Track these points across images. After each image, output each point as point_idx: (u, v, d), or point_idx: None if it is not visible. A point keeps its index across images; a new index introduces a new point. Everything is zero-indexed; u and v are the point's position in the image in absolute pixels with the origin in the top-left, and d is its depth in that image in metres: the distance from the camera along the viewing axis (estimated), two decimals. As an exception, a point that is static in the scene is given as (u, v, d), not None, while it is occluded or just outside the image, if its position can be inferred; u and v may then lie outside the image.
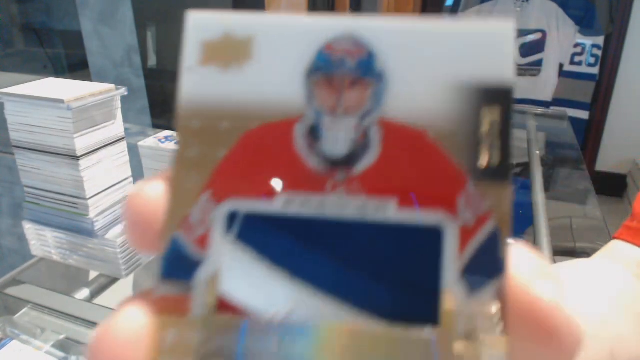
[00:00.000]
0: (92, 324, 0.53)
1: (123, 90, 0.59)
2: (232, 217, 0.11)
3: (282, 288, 0.11)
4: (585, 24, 2.02)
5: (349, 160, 0.11)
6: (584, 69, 2.04)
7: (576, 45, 2.03)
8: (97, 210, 0.59)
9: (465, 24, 0.11)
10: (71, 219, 0.59)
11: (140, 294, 0.11)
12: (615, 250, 0.35)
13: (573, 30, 2.03)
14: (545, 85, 2.11)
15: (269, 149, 0.11)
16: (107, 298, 0.62)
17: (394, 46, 0.11)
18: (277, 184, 0.11)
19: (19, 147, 0.59)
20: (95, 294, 0.61)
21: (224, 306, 0.11)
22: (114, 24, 1.26)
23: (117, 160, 0.61)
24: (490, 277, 0.10)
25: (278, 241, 0.11)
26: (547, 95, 2.12)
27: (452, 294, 0.10)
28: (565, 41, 2.04)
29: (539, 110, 1.30)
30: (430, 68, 0.11)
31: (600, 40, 2.01)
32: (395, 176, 0.11)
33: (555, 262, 0.63)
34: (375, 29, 0.11)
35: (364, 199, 0.11)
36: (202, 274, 0.11)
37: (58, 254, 0.62)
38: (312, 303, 0.11)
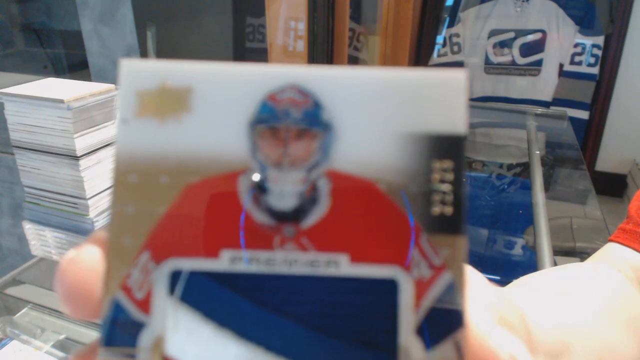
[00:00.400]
0: (92, 324, 0.53)
1: (123, 90, 0.59)
2: (174, 277, 0.10)
3: (231, 349, 0.10)
4: (585, 24, 2.02)
5: (297, 214, 0.11)
6: (584, 69, 2.04)
7: (576, 45, 2.03)
8: (97, 210, 0.59)
9: (417, 74, 0.11)
10: (71, 219, 0.59)
11: (82, 353, 0.11)
12: (610, 253, 0.35)
13: (573, 30, 2.03)
14: (545, 85, 2.11)
15: (212, 204, 0.10)
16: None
17: (342, 96, 0.11)
18: (221, 240, 0.10)
19: (19, 147, 0.59)
20: (95, 294, 0.61)
21: None
22: (114, 24, 1.26)
23: (117, 160, 0.61)
24: (448, 331, 0.10)
25: (225, 300, 0.10)
26: (547, 95, 2.12)
27: (409, 351, 0.10)
28: (565, 41, 2.04)
29: (539, 110, 1.30)
30: (380, 118, 0.11)
31: (600, 40, 2.01)
32: (346, 230, 0.10)
33: (555, 262, 0.63)
34: (321, 78, 0.11)
35: (315, 254, 0.10)
36: (145, 339, 0.10)
37: (58, 254, 0.62)
38: None
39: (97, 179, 0.58)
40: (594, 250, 0.36)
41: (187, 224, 0.10)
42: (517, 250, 0.87)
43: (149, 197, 0.11)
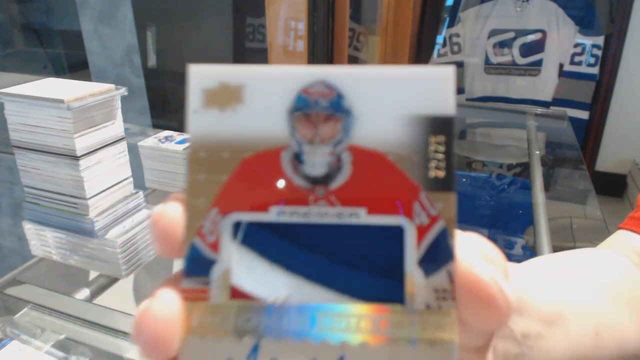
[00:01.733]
0: (92, 324, 0.53)
1: (123, 90, 0.59)
2: (236, 226, 0.14)
3: (279, 280, 0.14)
4: (585, 24, 2.02)
5: (326, 179, 0.14)
6: (584, 69, 2.04)
7: (576, 45, 2.03)
8: (97, 210, 0.59)
9: (415, 69, 0.14)
10: (71, 219, 0.59)
11: (170, 280, 0.14)
12: (619, 239, 0.36)
13: (573, 30, 2.03)
14: (545, 85, 2.11)
15: (262, 172, 0.14)
16: (107, 298, 0.62)
17: (358, 88, 0.14)
18: (270, 199, 0.14)
19: (19, 147, 0.59)
20: (95, 294, 0.61)
21: (236, 294, 0.13)
22: (113, 24, 1.26)
23: (117, 160, 0.61)
24: (442, 262, 0.13)
25: (274, 243, 0.14)
26: (547, 95, 2.12)
27: (413, 277, 0.13)
28: (565, 41, 2.04)
29: (539, 110, 1.30)
30: (388, 104, 0.14)
31: (600, 40, 2.01)
32: (364, 190, 0.14)
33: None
34: (342, 75, 0.14)
35: (340, 208, 0.14)
36: (216, 271, 0.14)
37: (58, 254, 0.62)
38: (304, 290, 0.14)
39: (97, 179, 0.58)
40: (594, 250, 0.36)
41: (244, 187, 0.14)
42: (517, 250, 0.87)
43: (215, 168, 0.14)
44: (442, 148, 0.14)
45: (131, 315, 0.58)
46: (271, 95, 0.14)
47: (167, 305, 0.13)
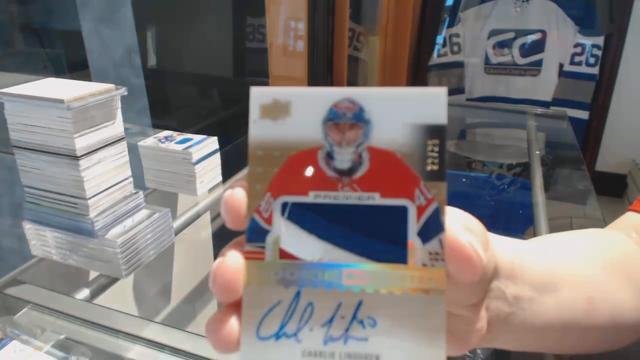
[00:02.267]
0: (92, 324, 0.53)
1: (123, 90, 0.59)
2: (284, 206, 0.18)
3: (315, 245, 0.18)
4: (585, 24, 2.02)
5: (351, 171, 0.18)
6: (584, 69, 2.04)
7: (576, 45, 2.03)
8: (97, 210, 0.59)
9: (416, 90, 0.18)
10: (71, 219, 0.59)
11: (233, 244, 0.19)
12: (625, 220, 0.39)
13: (573, 30, 2.03)
14: (545, 86, 2.11)
15: (303, 166, 0.19)
16: (107, 298, 0.62)
17: (375, 104, 0.18)
18: (308, 186, 0.18)
19: (18, 147, 0.59)
20: (95, 294, 0.61)
21: (284, 255, 0.18)
22: (113, 24, 1.26)
23: (117, 160, 0.61)
24: (435, 233, 0.18)
25: (311, 219, 0.18)
26: (547, 96, 2.12)
27: (414, 244, 0.18)
28: (565, 41, 2.04)
29: (539, 110, 1.30)
30: (396, 116, 0.18)
31: (600, 40, 2.01)
32: (378, 180, 0.18)
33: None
34: (363, 94, 0.19)
35: (361, 193, 0.18)
36: (270, 238, 0.18)
37: (58, 254, 0.62)
38: (333, 252, 0.18)
39: (97, 179, 0.58)
40: (594, 249, 0.37)
41: (290, 177, 0.18)
42: (517, 251, 0.87)
43: (269, 163, 0.19)
44: (436, 149, 0.18)
45: (131, 315, 0.58)
46: (310, 109, 0.19)
47: (234, 262, 0.18)
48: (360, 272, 0.18)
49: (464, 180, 1.12)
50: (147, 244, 0.63)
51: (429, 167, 0.18)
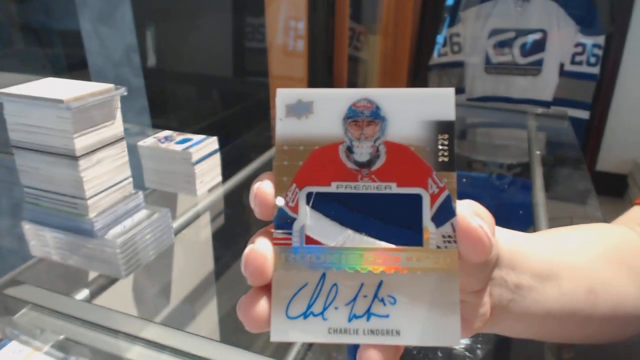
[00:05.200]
0: (91, 325, 0.53)
1: (122, 90, 0.59)
2: (309, 196, 0.20)
3: (337, 230, 0.20)
4: (586, 24, 2.02)
5: (369, 163, 0.20)
6: (584, 69, 2.03)
7: (577, 44, 2.03)
8: (96, 210, 0.59)
9: (427, 90, 0.20)
10: (70, 219, 0.59)
11: (262, 232, 0.21)
12: (630, 214, 0.39)
13: (574, 30, 2.03)
14: (545, 85, 2.10)
15: (325, 159, 0.20)
16: (106, 298, 0.62)
17: (390, 102, 0.20)
18: (331, 177, 0.20)
19: (18, 147, 0.59)
20: (94, 295, 0.61)
21: (309, 241, 0.20)
22: (113, 24, 1.26)
23: (117, 160, 0.61)
24: (447, 218, 0.20)
25: (333, 207, 0.20)
26: (548, 95, 2.11)
27: (428, 228, 0.20)
28: (565, 41, 2.04)
29: (540, 110, 1.29)
30: (410, 113, 0.20)
31: (601, 39, 2.00)
32: (395, 171, 0.20)
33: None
34: (379, 93, 0.20)
35: (379, 183, 0.20)
36: (296, 226, 0.20)
37: (57, 254, 0.62)
38: (354, 237, 0.20)
39: (96, 179, 0.58)
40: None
41: (314, 169, 0.20)
42: (518, 251, 0.86)
43: (294, 157, 0.20)
44: (446, 142, 0.20)
45: (131, 315, 0.58)
46: (332, 108, 0.20)
47: (264, 248, 0.20)
48: (380, 255, 0.20)
49: (464, 180, 1.12)
50: (146, 245, 0.62)
51: (440, 159, 0.20)
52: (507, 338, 0.63)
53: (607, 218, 0.77)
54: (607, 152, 2.17)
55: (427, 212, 0.20)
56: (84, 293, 0.60)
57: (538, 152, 1.00)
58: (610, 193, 2.11)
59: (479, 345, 0.62)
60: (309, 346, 0.54)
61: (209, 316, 0.87)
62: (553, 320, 0.29)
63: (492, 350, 0.63)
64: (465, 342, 0.62)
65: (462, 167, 1.21)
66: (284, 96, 0.20)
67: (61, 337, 0.51)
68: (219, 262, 0.90)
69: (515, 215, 0.99)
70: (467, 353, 0.62)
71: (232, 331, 0.87)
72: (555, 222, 0.77)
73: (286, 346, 0.54)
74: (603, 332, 0.34)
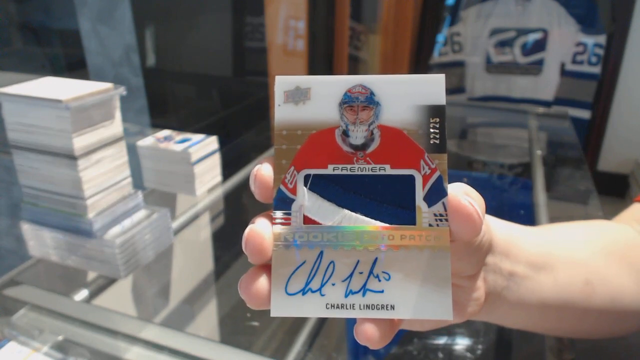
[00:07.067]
0: (90, 325, 0.53)
1: (122, 90, 0.58)
2: (306, 178, 0.21)
3: (333, 211, 0.21)
4: (587, 23, 2.01)
5: (364, 146, 0.21)
6: (585, 68, 2.03)
7: (578, 44, 2.02)
8: (95, 210, 0.59)
9: (419, 76, 0.21)
10: (69, 219, 0.59)
11: (263, 214, 0.21)
12: (630, 211, 0.40)
13: (575, 29, 2.02)
14: (546, 85, 2.10)
15: (322, 143, 0.21)
16: (105, 299, 0.62)
17: (383, 88, 0.21)
18: (328, 160, 0.21)
19: (16, 147, 0.58)
20: (93, 295, 0.61)
21: (307, 221, 0.21)
22: (112, 23, 1.26)
23: (116, 160, 0.61)
24: (439, 197, 0.20)
25: (330, 188, 0.21)
26: (549, 95, 2.11)
27: (421, 208, 0.20)
28: (566, 40, 2.04)
29: (541, 109, 1.29)
30: (403, 98, 0.21)
31: (602, 39, 2.00)
32: (388, 153, 0.21)
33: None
34: (373, 79, 0.21)
35: (374, 165, 0.21)
36: (295, 206, 0.21)
37: (56, 255, 0.62)
38: (350, 217, 0.21)
39: (95, 179, 0.58)
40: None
41: (311, 153, 0.21)
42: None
43: (292, 140, 0.21)
44: (437, 125, 0.21)
45: (130, 316, 0.58)
46: (328, 94, 0.21)
47: (263, 227, 0.20)
48: (375, 234, 0.20)
49: (464, 180, 1.11)
50: (145, 245, 0.62)
51: (431, 142, 0.21)
52: (507, 338, 0.63)
53: (609, 218, 0.76)
54: (608, 152, 2.17)
55: (420, 192, 0.20)
56: (83, 293, 0.60)
57: (539, 152, 1.00)
58: (612, 193, 2.11)
59: (479, 346, 0.62)
60: (309, 346, 0.54)
61: (208, 317, 0.87)
62: (550, 311, 0.29)
63: (492, 350, 0.62)
64: (465, 342, 0.62)
65: (463, 167, 1.20)
66: (282, 83, 0.21)
67: (60, 337, 0.50)
68: (218, 263, 0.89)
69: (516, 215, 0.99)
70: (467, 353, 0.61)
71: (231, 332, 0.86)
72: (556, 222, 0.76)
73: (286, 346, 0.54)
74: (601, 326, 0.34)
